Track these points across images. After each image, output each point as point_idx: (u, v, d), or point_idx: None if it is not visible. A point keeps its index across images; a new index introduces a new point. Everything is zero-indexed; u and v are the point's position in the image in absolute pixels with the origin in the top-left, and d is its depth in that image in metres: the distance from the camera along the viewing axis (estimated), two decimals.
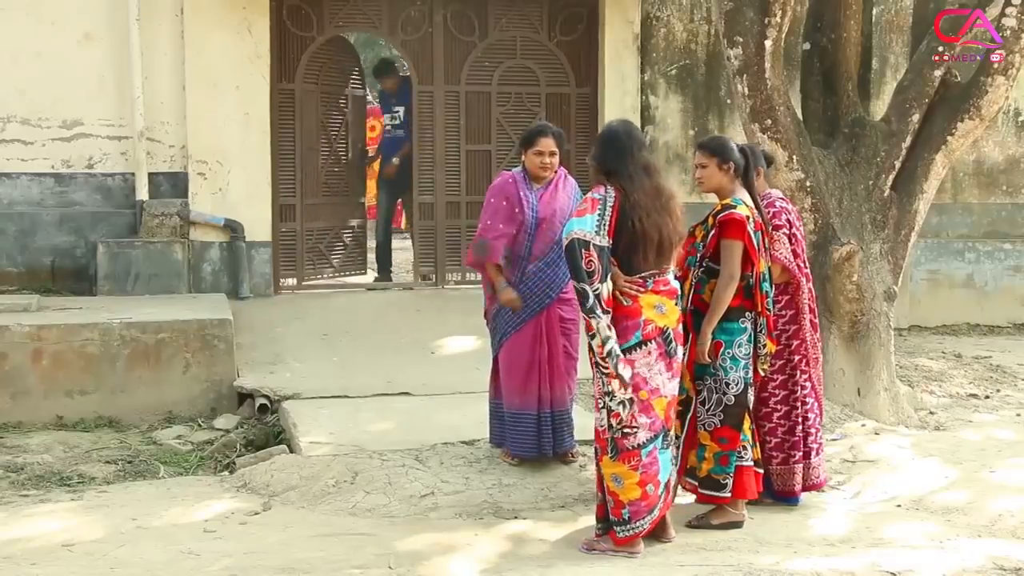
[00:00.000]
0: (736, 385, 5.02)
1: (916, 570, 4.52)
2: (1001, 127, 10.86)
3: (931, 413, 7.37)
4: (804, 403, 5.37)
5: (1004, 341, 10.08)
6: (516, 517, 5.19)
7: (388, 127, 10.46)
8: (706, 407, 5.04)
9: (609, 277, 4.59)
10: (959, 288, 10.64)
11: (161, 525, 5.02)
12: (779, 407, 5.38)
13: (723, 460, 5.03)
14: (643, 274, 4.68)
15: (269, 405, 6.82)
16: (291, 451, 6.01)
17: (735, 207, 5.00)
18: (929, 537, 5.01)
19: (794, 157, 6.84)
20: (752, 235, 4.97)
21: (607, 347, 4.54)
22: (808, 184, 6.92)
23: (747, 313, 5.04)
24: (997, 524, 5.18)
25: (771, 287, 5.14)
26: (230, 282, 9.07)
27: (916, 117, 7.25)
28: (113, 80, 8.87)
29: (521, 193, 5.58)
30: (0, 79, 8.70)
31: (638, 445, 4.65)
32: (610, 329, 4.55)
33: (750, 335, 5.06)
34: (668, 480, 4.79)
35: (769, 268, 5.14)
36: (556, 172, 5.67)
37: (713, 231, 5.04)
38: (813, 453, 5.39)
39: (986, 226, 10.99)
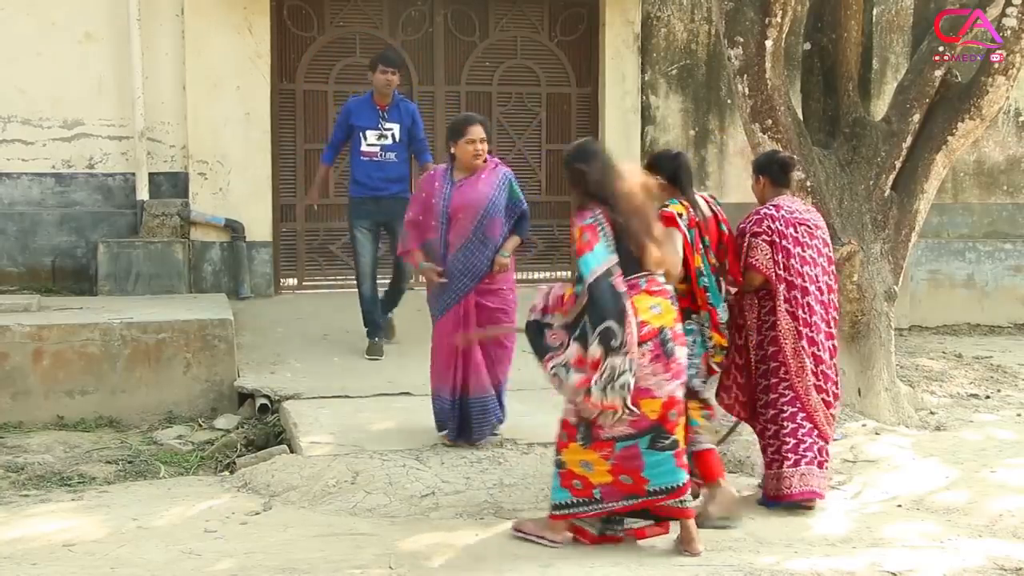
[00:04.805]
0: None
1: (916, 570, 4.53)
2: (1001, 127, 10.87)
3: (932, 413, 7.37)
4: (781, 411, 5.35)
5: (1004, 341, 10.08)
6: (517, 517, 5.19)
7: (376, 147, 7.67)
8: None
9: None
10: (959, 288, 10.64)
11: (162, 525, 5.02)
12: (764, 411, 5.44)
13: None
14: (635, 276, 4.68)
15: (270, 405, 6.82)
16: (292, 451, 6.01)
17: (668, 206, 5.20)
18: (929, 537, 5.02)
19: (794, 157, 6.83)
20: (686, 231, 5.15)
21: (553, 364, 4.60)
22: (808, 184, 6.92)
23: (692, 315, 5.19)
24: (997, 524, 5.19)
25: (717, 283, 5.26)
26: (231, 282, 9.07)
27: (916, 117, 7.24)
28: (113, 80, 8.88)
29: (437, 184, 5.85)
30: (0, 79, 8.71)
31: (613, 437, 4.63)
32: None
33: (696, 338, 5.18)
34: (668, 484, 4.65)
35: (716, 265, 5.26)
36: (486, 161, 5.86)
37: None
38: (787, 463, 5.33)
39: (986, 226, 10.99)
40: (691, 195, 5.29)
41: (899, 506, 5.50)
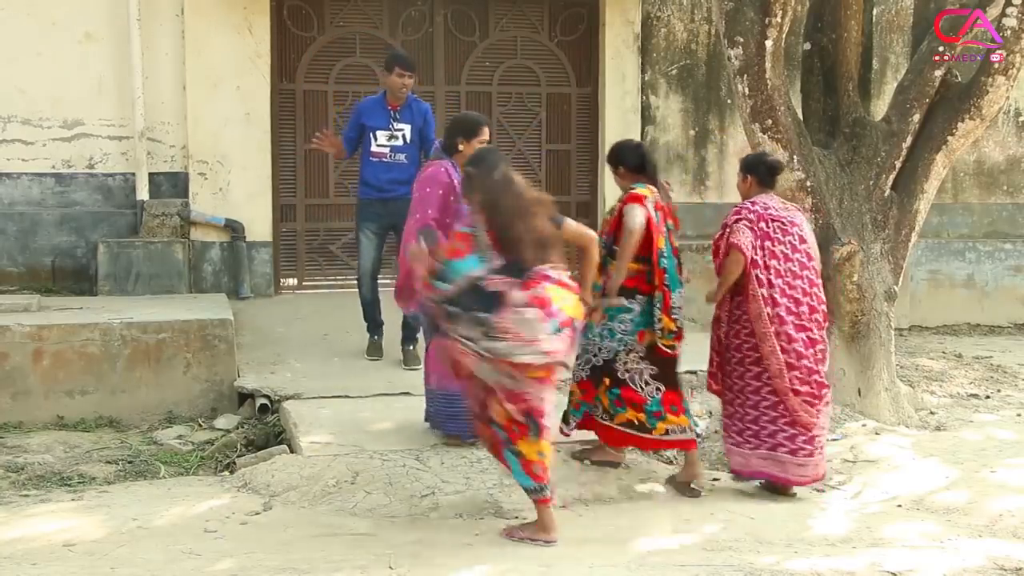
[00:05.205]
0: (606, 352, 5.56)
1: (916, 570, 4.53)
2: (1001, 127, 10.87)
3: (932, 413, 7.37)
4: (746, 399, 5.59)
5: (1004, 341, 10.08)
6: (517, 517, 5.18)
7: (386, 148, 7.49)
8: (577, 362, 5.59)
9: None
10: (959, 288, 10.65)
11: (162, 525, 5.02)
12: (729, 394, 5.69)
13: (575, 405, 5.73)
14: (540, 268, 4.74)
15: (270, 405, 6.82)
16: (292, 451, 6.01)
17: (634, 188, 5.55)
18: (929, 537, 5.02)
19: (794, 157, 6.84)
20: (652, 212, 5.45)
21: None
22: (808, 184, 6.92)
23: (638, 296, 5.48)
24: (997, 524, 5.19)
25: (678, 268, 5.55)
26: (231, 282, 9.08)
27: (916, 117, 7.25)
28: (113, 80, 8.88)
29: (455, 182, 5.72)
30: (0, 79, 8.71)
31: (549, 424, 4.89)
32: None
33: (635, 318, 5.48)
34: None
35: (678, 249, 5.59)
36: None
37: (616, 213, 5.56)
38: (746, 444, 5.59)
39: (986, 226, 11.00)
40: (659, 182, 5.63)
41: (899, 506, 5.50)
